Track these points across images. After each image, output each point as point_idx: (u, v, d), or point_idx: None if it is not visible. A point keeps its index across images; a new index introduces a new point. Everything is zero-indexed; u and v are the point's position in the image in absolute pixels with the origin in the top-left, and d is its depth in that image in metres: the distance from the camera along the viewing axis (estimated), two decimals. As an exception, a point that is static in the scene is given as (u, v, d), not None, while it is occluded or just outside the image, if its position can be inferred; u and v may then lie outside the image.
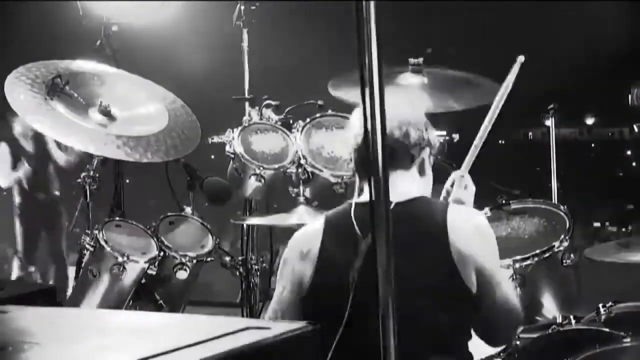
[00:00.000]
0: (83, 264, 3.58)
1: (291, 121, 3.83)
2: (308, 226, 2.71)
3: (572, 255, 3.17)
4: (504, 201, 3.41)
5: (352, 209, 2.53)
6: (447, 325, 2.49)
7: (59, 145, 6.71)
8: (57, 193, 7.27)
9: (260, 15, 4.51)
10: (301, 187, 3.66)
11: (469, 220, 2.57)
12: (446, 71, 3.79)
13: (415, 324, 2.41)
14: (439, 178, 2.83)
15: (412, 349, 2.37)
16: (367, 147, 1.60)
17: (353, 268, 2.38)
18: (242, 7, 4.47)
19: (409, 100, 2.70)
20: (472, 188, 3.03)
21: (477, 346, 2.67)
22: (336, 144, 3.66)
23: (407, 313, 2.37)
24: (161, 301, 3.60)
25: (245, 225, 4.13)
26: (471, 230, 2.53)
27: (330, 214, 2.67)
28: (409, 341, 2.36)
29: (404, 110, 2.60)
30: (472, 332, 2.62)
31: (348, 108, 3.73)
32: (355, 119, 2.65)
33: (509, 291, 2.60)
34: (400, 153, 2.57)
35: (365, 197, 2.55)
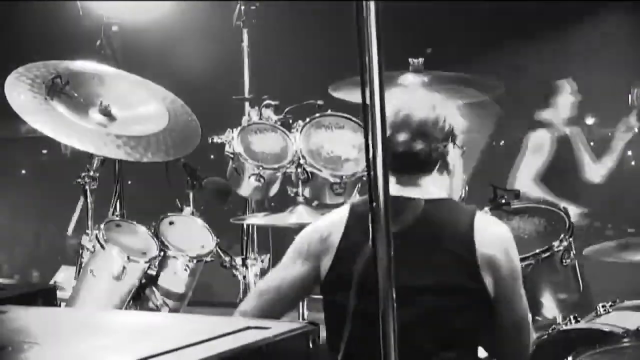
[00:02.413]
0: (83, 264, 3.58)
1: (291, 121, 3.84)
2: (332, 213, 2.68)
3: (572, 255, 3.18)
4: (504, 201, 3.41)
5: None
6: (462, 325, 2.49)
7: None
8: None
9: (260, 15, 4.51)
10: (300, 187, 3.66)
11: (496, 229, 2.56)
12: (446, 72, 3.80)
13: (432, 320, 2.42)
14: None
15: (425, 345, 2.39)
16: (367, 147, 1.60)
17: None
18: (242, 7, 4.47)
19: (428, 99, 2.64)
20: None
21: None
22: (336, 143, 3.66)
23: (425, 308, 2.39)
24: (161, 301, 3.60)
25: (245, 225, 4.13)
26: (497, 239, 2.52)
27: (356, 202, 2.65)
28: (422, 337, 2.38)
29: (421, 113, 2.56)
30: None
31: (348, 108, 3.74)
32: None
33: (526, 306, 2.58)
34: (418, 162, 2.55)
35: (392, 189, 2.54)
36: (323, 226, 2.63)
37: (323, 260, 2.56)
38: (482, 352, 2.70)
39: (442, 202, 2.57)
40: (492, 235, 2.51)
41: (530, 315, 2.61)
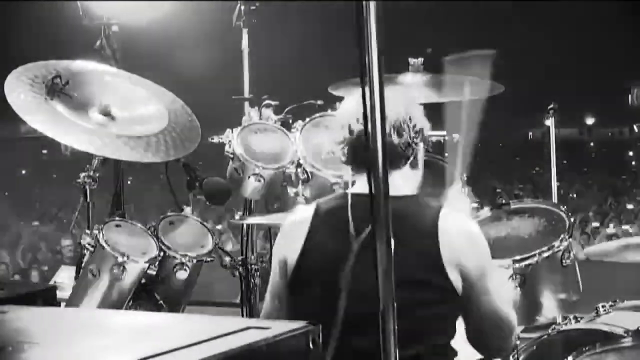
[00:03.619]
0: (83, 264, 3.58)
1: (291, 121, 3.84)
2: (298, 213, 2.74)
3: (572, 255, 3.18)
4: (504, 201, 3.41)
5: (349, 200, 2.54)
6: (429, 319, 2.50)
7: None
8: None
9: (260, 15, 4.51)
10: (300, 187, 3.66)
11: (460, 224, 2.59)
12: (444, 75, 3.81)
13: (399, 314, 2.43)
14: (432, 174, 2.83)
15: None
16: (367, 147, 1.60)
17: (344, 271, 2.40)
18: (242, 7, 4.47)
19: (401, 98, 2.68)
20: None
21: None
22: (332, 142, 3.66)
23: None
24: (161, 301, 3.60)
25: (245, 225, 4.13)
26: (462, 235, 2.54)
27: (322, 201, 2.67)
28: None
29: (397, 110, 2.60)
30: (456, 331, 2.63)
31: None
32: (345, 109, 2.66)
33: (499, 300, 2.59)
34: (394, 155, 2.57)
35: (360, 188, 2.56)
36: (290, 226, 2.68)
37: (288, 258, 2.60)
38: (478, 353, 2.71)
39: (408, 199, 2.59)
40: (456, 233, 2.54)
41: (506, 308, 2.60)
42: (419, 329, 2.49)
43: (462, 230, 2.56)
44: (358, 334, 2.37)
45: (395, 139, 2.56)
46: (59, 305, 3.61)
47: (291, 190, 3.70)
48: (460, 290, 2.51)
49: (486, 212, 3.36)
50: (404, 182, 2.63)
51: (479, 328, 2.60)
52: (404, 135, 2.58)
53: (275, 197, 3.93)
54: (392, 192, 2.54)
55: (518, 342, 3.20)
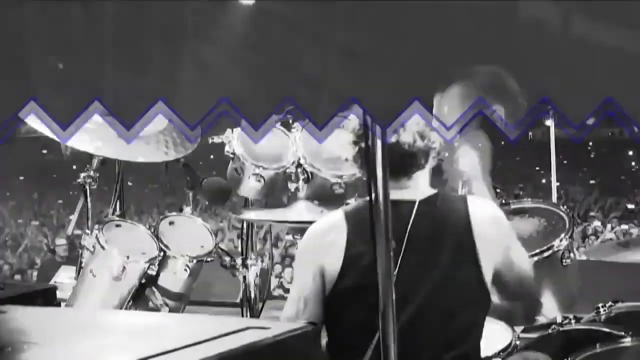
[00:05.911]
0: (83, 264, 3.58)
1: (291, 121, 3.83)
2: (325, 218, 2.67)
3: (572, 255, 3.18)
4: (504, 201, 3.42)
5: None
6: (464, 321, 2.51)
7: None
8: None
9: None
10: (300, 184, 3.66)
11: (488, 210, 2.62)
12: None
13: (436, 319, 2.43)
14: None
15: (427, 342, 2.40)
16: (367, 149, 1.60)
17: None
18: (242, 7, 4.46)
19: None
20: None
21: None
22: (336, 144, 3.66)
23: (428, 307, 2.41)
24: (161, 301, 3.60)
25: (245, 226, 4.13)
26: (491, 220, 2.57)
27: (349, 210, 2.63)
28: (425, 335, 2.39)
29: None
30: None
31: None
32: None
33: (528, 272, 2.65)
34: (420, 157, 2.58)
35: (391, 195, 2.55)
36: (321, 232, 2.61)
37: (327, 268, 2.54)
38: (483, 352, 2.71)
39: (435, 198, 2.60)
40: (488, 219, 2.56)
41: (529, 281, 2.66)
42: (455, 331, 2.49)
43: (490, 216, 2.59)
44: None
45: (419, 143, 2.55)
46: (59, 305, 3.62)
47: (292, 186, 3.69)
48: (491, 278, 2.52)
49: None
50: (427, 181, 2.64)
51: (507, 301, 2.64)
52: (426, 137, 2.56)
53: (275, 197, 3.93)
54: (419, 194, 2.56)
55: (518, 342, 3.19)
